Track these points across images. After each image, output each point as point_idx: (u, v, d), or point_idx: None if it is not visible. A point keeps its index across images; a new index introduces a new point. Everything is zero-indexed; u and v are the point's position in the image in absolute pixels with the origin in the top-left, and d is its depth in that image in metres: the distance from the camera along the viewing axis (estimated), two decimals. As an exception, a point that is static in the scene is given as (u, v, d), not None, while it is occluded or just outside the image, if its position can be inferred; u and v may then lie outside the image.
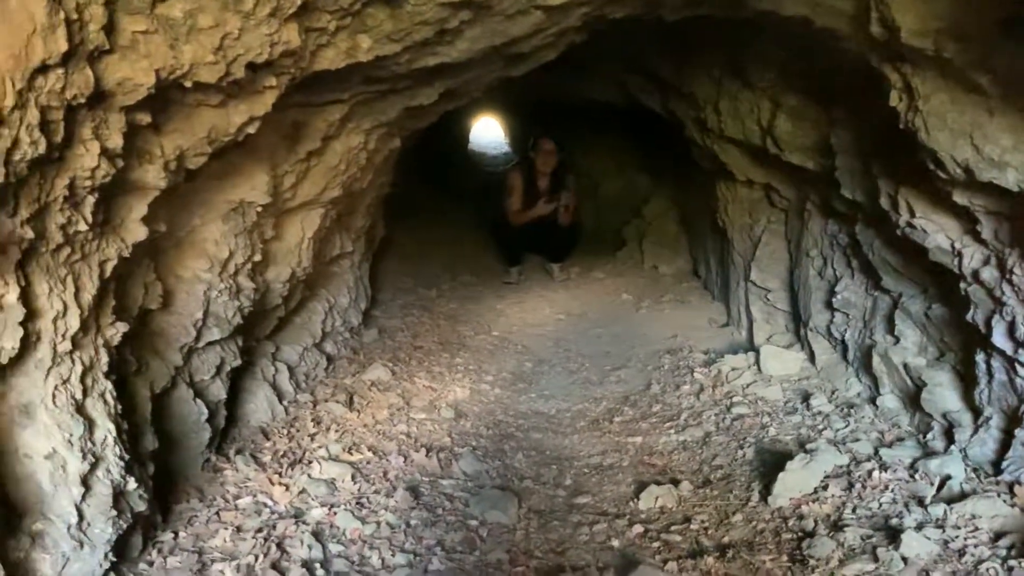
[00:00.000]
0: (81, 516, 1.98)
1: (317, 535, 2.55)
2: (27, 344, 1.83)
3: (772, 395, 3.77)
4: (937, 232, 2.70)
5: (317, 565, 2.37)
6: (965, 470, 2.63)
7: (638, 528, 2.73)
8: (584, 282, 6.79)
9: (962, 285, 2.66)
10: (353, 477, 2.97)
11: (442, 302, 6.04)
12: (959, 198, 2.46)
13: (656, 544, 2.62)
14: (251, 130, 2.40)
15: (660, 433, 3.63)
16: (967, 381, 2.83)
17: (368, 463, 3.15)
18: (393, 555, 2.51)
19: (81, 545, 1.98)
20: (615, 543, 2.66)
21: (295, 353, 3.97)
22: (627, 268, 7.00)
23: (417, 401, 3.93)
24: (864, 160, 3.12)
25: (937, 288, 3.02)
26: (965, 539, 2.28)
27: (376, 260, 5.74)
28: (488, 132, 13.39)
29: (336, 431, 3.42)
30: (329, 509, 2.72)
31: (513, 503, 2.90)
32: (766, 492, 2.81)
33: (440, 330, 5.32)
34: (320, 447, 3.21)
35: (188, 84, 1.95)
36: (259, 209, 2.98)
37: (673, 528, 2.71)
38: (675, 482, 3.03)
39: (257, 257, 3.12)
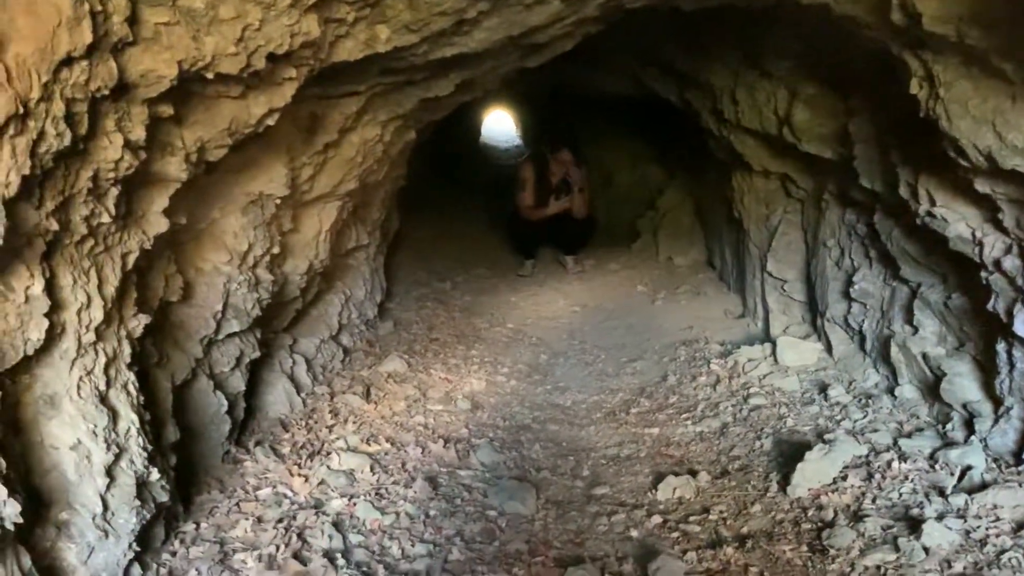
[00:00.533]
0: (106, 506, 2.00)
1: (337, 525, 2.56)
2: (52, 335, 1.85)
3: (789, 386, 3.76)
4: (958, 221, 2.68)
5: (338, 555, 2.39)
6: (986, 460, 2.62)
7: (657, 519, 2.73)
8: (598, 274, 6.77)
9: (983, 274, 2.64)
10: (372, 468, 2.98)
11: (456, 295, 6.04)
12: (981, 186, 2.44)
13: (675, 534, 2.62)
14: (271, 122, 2.41)
15: (677, 424, 3.63)
16: (987, 371, 2.81)
17: (386, 454, 3.16)
18: (413, 545, 2.52)
19: (106, 535, 2.00)
20: (634, 533, 2.66)
21: (312, 345, 3.99)
22: (642, 260, 6.98)
23: (433, 393, 3.95)
24: (883, 149, 3.10)
25: (957, 277, 3.00)
26: (987, 529, 2.28)
27: (390, 253, 5.75)
28: (500, 125, 13.38)
29: (354, 422, 3.44)
30: (349, 500, 2.74)
31: (531, 494, 2.90)
32: (785, 482, 2.80)
33: (455, 322, 5.33)
34: (338, 438, 3.22)
35: (210, 75, 1.96)
36: (277, 201, 2.99)
37: (692, 518, 2.71)
38: (693, 473, 3.02)
39: (275, 249, 3.13)
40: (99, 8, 1.58)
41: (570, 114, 7.33)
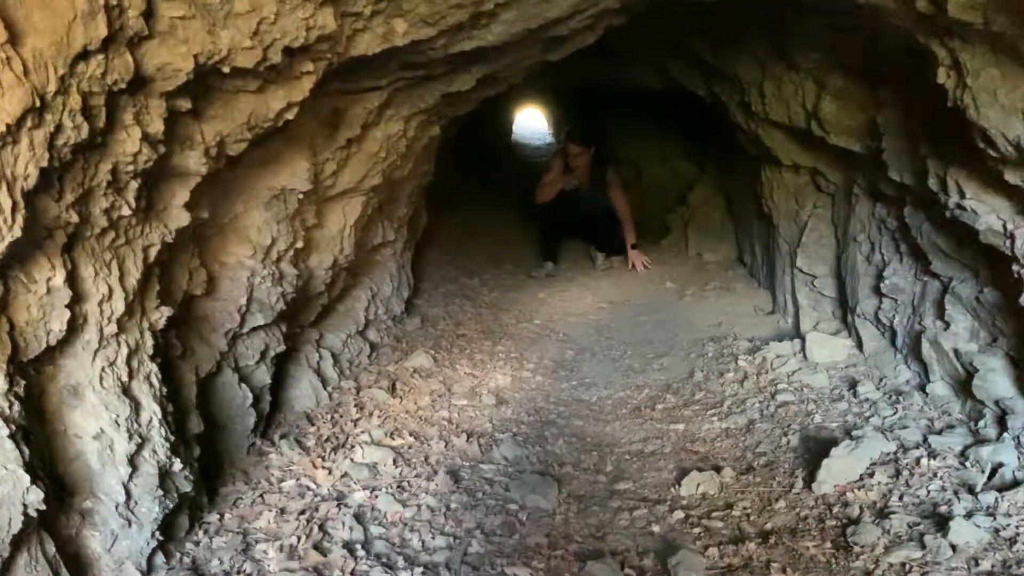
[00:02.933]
0: (128, 495, 2.03)
1: (358, 517, 2.58)
2: (74, 326, 1.88)
3: (818, 382, 3.71)
4: (988, 213, 2.61)
5: (358, 546, 2.40)
6: (1018, 458, 2.56)
7: (679, 514, 2.71)
8: (627, 270, 6.73)
9: (1015, 268, 2.57)
10: (395, 461, 2.99)
11: (484, 291, 6.04)
12: (1011, 177, 2.38)
13: (697, 530, 2.59)
14: (289, 116, 2.42)
15: (703, 420, 3.59)
16: (1021, 367, 2.75)
17: (409, 448, 3.17)
18: (433, 537, 2.52)
19: (129, 523, 2.03)
20: (655, 528, 2.64)
21: (339, 340, 4.02)
22: (671, 256, 6.95)
23: (458, 388, 3.95)
24: (912, 141, 3.04)
25: (989, 271, 2.93)
26: (1017, 527, 2.22)
27: (419, 249, 5.77)
28: (531, 122, 13.37)
29: (378, 416, 3.45)
30: (371, 492, 2.75)
31: (553, 488, 2.89)
32: (810, 479, 2.76)
33: (482, 318, 5.33)
34: (363, 432, 3.24)
35: (226, 69, 1.98)
36: (300, 196, 3.01)
37: (714, 514, 2.68)
38: (717, 469, 2.99)
39: (299, 244, 3.16)
40: (114, 2, 1.60)
41: (597, 112, 7.29)
